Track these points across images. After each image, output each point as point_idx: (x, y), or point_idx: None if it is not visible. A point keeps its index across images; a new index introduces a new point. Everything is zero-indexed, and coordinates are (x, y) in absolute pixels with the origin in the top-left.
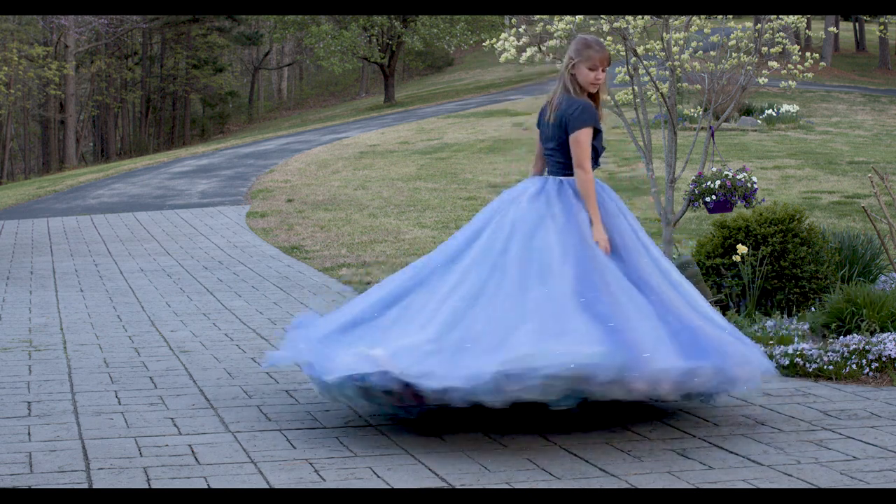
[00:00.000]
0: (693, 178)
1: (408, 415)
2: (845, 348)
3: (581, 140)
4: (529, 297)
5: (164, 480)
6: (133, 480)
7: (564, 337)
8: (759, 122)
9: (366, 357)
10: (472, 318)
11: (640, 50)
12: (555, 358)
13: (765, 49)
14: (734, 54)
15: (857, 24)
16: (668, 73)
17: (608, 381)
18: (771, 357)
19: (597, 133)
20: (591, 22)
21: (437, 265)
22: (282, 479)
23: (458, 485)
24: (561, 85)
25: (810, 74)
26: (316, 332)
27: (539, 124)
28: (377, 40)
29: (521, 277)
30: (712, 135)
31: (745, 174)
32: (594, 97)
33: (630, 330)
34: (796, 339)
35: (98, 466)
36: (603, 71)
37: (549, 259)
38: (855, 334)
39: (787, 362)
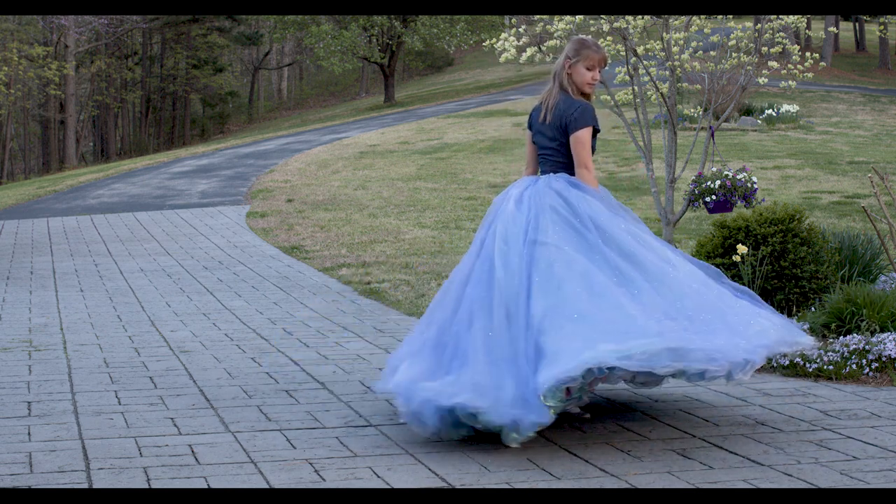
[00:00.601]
0: (693, 178)
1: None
2: (845, 348)
3: (584, 139)
4: (702, 282)
5: (164, 480)
6: (133, 480)
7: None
8: (759, 122)
9: (600, 348)
10: (655, 304)
11: (640, 50)
12: (796, 336)
13: (765, 49)
14: (734, 54)
15: (857, 24)
16: (668, 73)
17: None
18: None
19: (595, 133)
20: (591, 22)
21: (522, 267)
22: (282, 479)
23: (458, 485)
24: (557, 85)
25: (810, 74)
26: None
27: (531, 125)
28: (377, 40)
29: (662, 265)
30: (712, 135)
31: (745, 174)
32: (586, 97)
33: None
34: None
35: (98, 466)
36: (599, 71)
37: (658, 246)
38: (855, 334)
39: (787, 362)
